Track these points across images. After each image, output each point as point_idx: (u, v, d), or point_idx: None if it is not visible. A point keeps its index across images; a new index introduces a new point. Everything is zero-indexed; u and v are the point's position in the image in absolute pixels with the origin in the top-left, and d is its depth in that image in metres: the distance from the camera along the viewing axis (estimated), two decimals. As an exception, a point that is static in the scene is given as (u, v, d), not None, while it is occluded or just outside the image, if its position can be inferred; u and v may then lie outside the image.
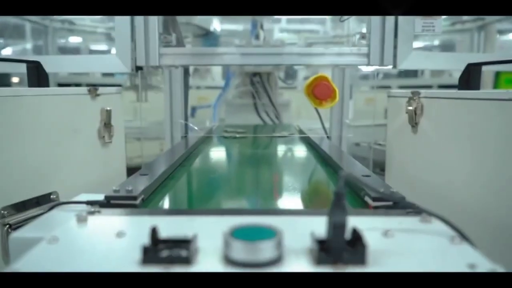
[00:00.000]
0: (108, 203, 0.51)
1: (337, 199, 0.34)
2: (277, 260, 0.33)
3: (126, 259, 0.34)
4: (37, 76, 0.95)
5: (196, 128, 1.23)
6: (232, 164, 1.00)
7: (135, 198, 0.52)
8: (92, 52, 3.52)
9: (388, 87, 3.92)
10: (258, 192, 0.69)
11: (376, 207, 0.52)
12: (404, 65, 1.18)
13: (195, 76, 3.58)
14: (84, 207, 0.51)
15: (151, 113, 2.76)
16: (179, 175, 0.77)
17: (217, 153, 1.13)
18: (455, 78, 2.28)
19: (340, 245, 0.34)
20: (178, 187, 0.71)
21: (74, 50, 3.39)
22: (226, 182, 0.79)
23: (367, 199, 0.54)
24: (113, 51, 1.17)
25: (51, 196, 0.89)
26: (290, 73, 2.49)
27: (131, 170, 1.38)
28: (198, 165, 0.92)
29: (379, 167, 1.67)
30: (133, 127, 2.33)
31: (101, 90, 1.07)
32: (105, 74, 3.56)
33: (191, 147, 1.00)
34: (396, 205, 0.51)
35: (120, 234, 0.39)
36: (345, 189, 0.35)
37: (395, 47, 1.18)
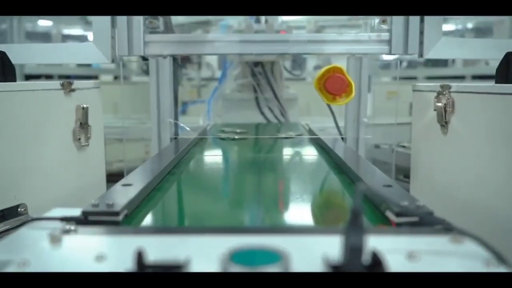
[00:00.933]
0: (86, 219, 0.52)
1: (353, 218, 0.35)
2: (283, 289, 0.33)
3: (108, 288, 0.34)
4: (1, 68, 0.96)
5: (188, 128, 1.23)
6: (230, 172, 1.00)
7: (117, 213, 0.53)
8: (65, 37, 3.54)
9: (414, 78, 3.93)
10: (260, 205, 0.69)
11: (399, 224, 0.52)
12: (432, 53, 1.19)
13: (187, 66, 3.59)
14: (58, 224, 0.52)
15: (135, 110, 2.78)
16: (168, 185, 0.78)
17: (213, 158, 1.13)
18: (492, 67, 2.28)
19: (357, 271, 0.34)
20: (167, 200, 0.71)
21: (44, 36, 3.40)
22: (223, 193, 0.80)
23: (388, 214, 0.54)
24: (90, 37, 1.17)
25: (19, 209, 0.90)
26: (298, 62, 2.49)
27: (111, 177, 1.39)
28: (190, 173, 0.93)
29: (403, 174, 1.68)
30: (114, 126, 2.34)
31: (76, 84, 1.08)
32: (80, 64, 3.57)
33: (182, 151, 1.00)
34: (423, 221, 0.51)
35: (100, 258, 0.39)
36: (363, 206, 0.35)
37: (421, 32, 1.18)
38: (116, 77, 3.91)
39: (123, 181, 0.68)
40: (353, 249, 0.34)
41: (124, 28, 1.15)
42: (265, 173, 0.95)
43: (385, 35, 1.19)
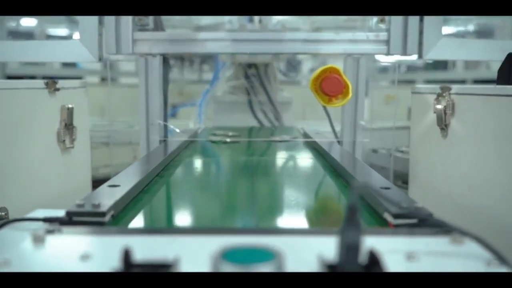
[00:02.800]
0: (70, 220, 0.51)
1: (350, 215, 0.35)
2: (277, 288, 0.33)
3: (93, 287, 0.34)
4: (-18, 65, 0.96)
5: (178, 130, 1.23)
6: (222, 175, 1.00)
7: (103, 214, 0.52)
8: (49, 38, 3.52)
9: (412, 81, 3.95)
10: (253, 210, 0.69)
11: (397, 226, 0.52)
12: (431, 54, 1.20)
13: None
14: (40, 225, 0.52)
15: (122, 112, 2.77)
16: (157, 187, 0.77)
17: (203, 162, 1.13)
18: (493, 71, 2.30)
19: (354, 270, 0.34)
20: (155, 203, 0.71)
21: (27, 36, 3.39)
22: (214, 197, 0.80)
23: (386, 216, 0.55)
24: (76, 36, 1.17)
25: (-1, 213, 0.89)
26: (293, 65, 2.50)
27: (97, 183, 1.38)
28: (179, 176, 0.92)
29: (401, 179, 1.68)
30: (100, 129, 2.33)
31: (61, 83, 1.08)
32: (65, 65, 3.56)
33: (172, 154, 1.00)
34: (422, 223, 0.51)
35: (85, 258, 0.39)
36: (360, 203, 0.35)
37: (420, 32, 1.20)
38: (102, 79, 3.90)
39: (110, 182, 0.67)
40: (349, 247, 0.34)
41: (112, 26, 1.15)
42: (259, 178, 0.95)
43: (383, 35, 1.20)
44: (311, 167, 1.03)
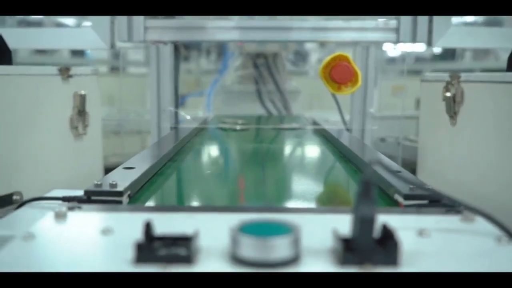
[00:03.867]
0: (89, 199, 0.53)
1: (364, 190, 0.36)
2: (293, 260, 0.35)
3: (116, 258, 0.35)
4: (-4, 51, 0.97)
5: (188, 117, 1.25)
6: (233, 161, 1.01)
7: (120, 193, 0.54)
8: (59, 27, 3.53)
9: (420, 72, 3.93)
10: (265, 194, 0.70)
11: (408, 206, 0.53)
12: (441, 42, 1.20)
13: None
14: (59, 204, 0.53)
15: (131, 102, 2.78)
16: (170, 171, 0.79)
17: (215, 148, 1.15)
18: (502, 61, 2.29)
19: (368, 243, 0.35)
20: (169, 185, 0.72)
21: (36, 25, 3.40)
22: (227, 181, 0.81)
23: (397, 197, 0.56)
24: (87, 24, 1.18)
25: (14, 197, 0.91)
26: (301, 54, 2.50)
27: (107, 171, 1.39)
28: (192, 161, 0.94)
29: (410, 168, 1.68)
30: (109, 118, 2.35)
31: (74, 70, 1.09)
32: (74, 54, 3.57)
33: (183, 140, 1.01)
34: (433, 204, 0.52)
35: (106, 231, 0.40)
36: (374, 177, 0.36)
37: (430, 20, 1.20)
38: (111, 68, 3.91)
39: (124, 164, 0.69)
40: (364, 220, 0.35)
41: (123, 13, 1.16)
42: (269, 163, 0.96)
43: (392, 23, 1.20)
44: (321, 153, 1.04)
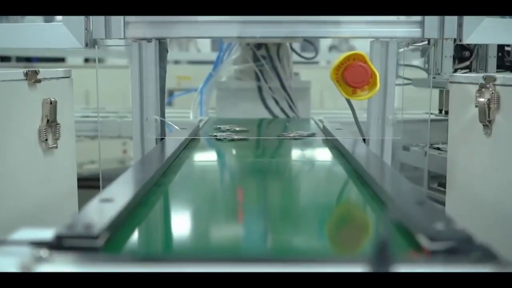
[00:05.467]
0: (60, 244, 0.53)
1: (380, 252, 0.36)
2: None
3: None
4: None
5: (177, 127, 1.25)
6: (229, 183, 1.02)
7: (96, 237, 0.54)
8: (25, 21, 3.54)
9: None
10: (265, 224, 0.71)
11: (432, 252, 0.53)
12: (472, 37, 1.20)
13: (172, 47, 3.60)
14: (26, 249, 0.53)
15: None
16: (154, 199, 0.79)
17: (208, 165, 1.15)
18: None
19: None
20: (154, 221, 0.73)
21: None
22: (221, 210, 0.81)
23: (420, 238, 0.56)
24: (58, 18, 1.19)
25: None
26: (310, 41, 2.50)
27: (82, 182, 1.40)
28: (181, 184, 0.94)
29: (437, 181, 1.69)
30: (85, 120, 2.35)
31: (43, 73, 1.09)
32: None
33: (171, 156, 1.02)
34: (461, 248, 0.52)
35: (80, 294, 0.40)
36: (391, 236, 0.37)
37: (460, 12, 1.20)
38: (86, 60, 3.93)
39: (102, 195, 0.69)
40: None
41: (100, 6, 1.16)
42: (271, 185, 0.96)
43: (416, 16, 1.20)
44: (332, 173, 1.05)
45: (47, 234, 0.56)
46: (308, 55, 2.37)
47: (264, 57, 2.00)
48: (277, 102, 2.01)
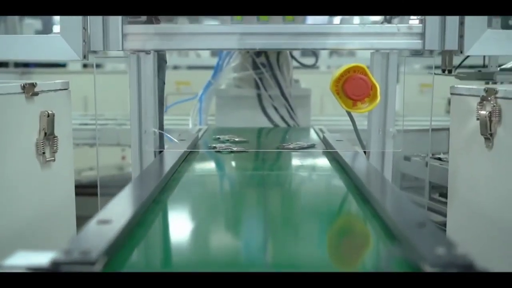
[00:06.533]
0: (57, 270, 0.53)
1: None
2: None
3: None
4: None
5: (176, 140, 1.25)
6: (228, 197, 1.02)
7: (93, 263, 0.54)
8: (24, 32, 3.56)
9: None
10: (266, 240, 0.71)
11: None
12: (474, 49, 1.20)
13: (172, 52, 3.59)
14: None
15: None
16: (153, 217, 0.79)
17: (207, 179, 1.15)
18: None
19: None
20: (152, 239, 0.73)
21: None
22: (222, 227, 0.82)
23: (421, 264, 0.56)
24: (56, 29, 1.19)
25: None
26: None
27: (79, 189, 1.40)
28: (179, 202, 0.95)
29: (439, 192, 1.69)
30: (83, 128, 2.36)
31: (40, 86, 1.09)
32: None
33: (169, 171, 1.02)
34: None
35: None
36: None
37: (461, 23, 1.20)
38: (85, 65, 3.93)
39: (100, 216, 0.69)
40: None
41: (98, 18, 1.16)
42: (270, 198, 0.97)
43: (417, 27, 1.20)
44: (330, 189, 1.06)
45: (44, 258, 0.56)
46: (308, 60, 2.37)
47: (264, 64, 2.00)
48: (276, 110, 2.01)
